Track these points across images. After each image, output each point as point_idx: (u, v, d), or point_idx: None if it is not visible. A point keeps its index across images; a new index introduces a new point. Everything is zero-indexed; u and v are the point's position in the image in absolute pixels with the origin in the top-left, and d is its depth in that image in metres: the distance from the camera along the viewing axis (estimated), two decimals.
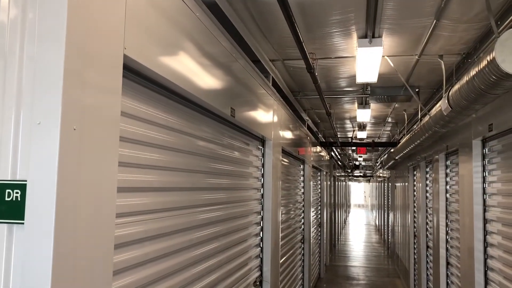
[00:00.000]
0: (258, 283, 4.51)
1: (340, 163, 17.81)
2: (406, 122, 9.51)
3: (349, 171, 25.15)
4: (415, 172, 8.82)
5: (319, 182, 11.40)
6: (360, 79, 5.33)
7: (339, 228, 20.91)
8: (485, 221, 4.19)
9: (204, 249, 3.01)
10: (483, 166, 4.28)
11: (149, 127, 2.27)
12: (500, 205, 3.83)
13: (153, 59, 2.07)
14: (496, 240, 3.91)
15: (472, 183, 4.35)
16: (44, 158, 1.44)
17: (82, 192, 1.55)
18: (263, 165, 4.79)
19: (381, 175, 20.92)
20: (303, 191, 8.32)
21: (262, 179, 4.76)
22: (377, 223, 26.32)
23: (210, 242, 3.13)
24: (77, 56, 1.54)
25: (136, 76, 2.14)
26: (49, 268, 1.40)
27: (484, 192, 4.24)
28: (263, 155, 4.81)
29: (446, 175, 5.96)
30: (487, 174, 4.22)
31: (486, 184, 4.22)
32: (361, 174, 32.27)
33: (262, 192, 4.75)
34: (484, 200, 4.22)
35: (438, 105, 4.60)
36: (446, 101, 4.03)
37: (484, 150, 4.31)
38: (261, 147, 4.76)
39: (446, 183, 5.96)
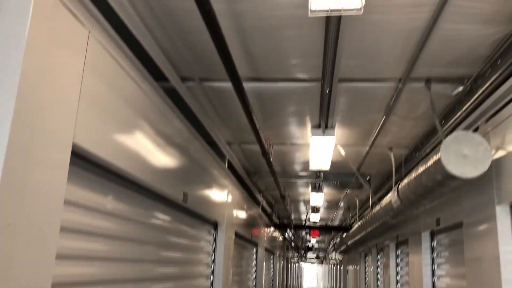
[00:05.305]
0: None
1: (293, 245, 17.60)
2: (358, 208, 9.65)
3: (302, 252, 24.84)
4: (366, 258, 8.81)
5: (271, 264, 11.14)
6: (313, 166, 5.42)
7: None
8: None
9: None
10: (432, 260, 4.32)
11: (96, 215, 2.15)
12: None
13: (104, 146, 2.02)
14: None
15: (422, 277, 4.36)
16: None
17: None
18: (214, 250, 4.63)
19: (333, 258, 20.78)
20: (255, 275, 8.06)
21: (212, 266, 4.58)
22: None
23: None
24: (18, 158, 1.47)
25: (85, 162, 2.05)
26: None
27: (433, 287, 4.24)
28: (215, 240, 4.66)
29: (397, 264, 5.97)
30: (436, 268, 4.26)
31: (436, 278, 4.23)
32: (314, 256, 31.93)
33: (211, 279, 4.55)
34: None
35: (388, 196, 4.71)
36: (396, 194, 4.14)
37: (433, 243, 4.38)
38: (213, 231, 4.63)
39: (397, 273, 5.95)
